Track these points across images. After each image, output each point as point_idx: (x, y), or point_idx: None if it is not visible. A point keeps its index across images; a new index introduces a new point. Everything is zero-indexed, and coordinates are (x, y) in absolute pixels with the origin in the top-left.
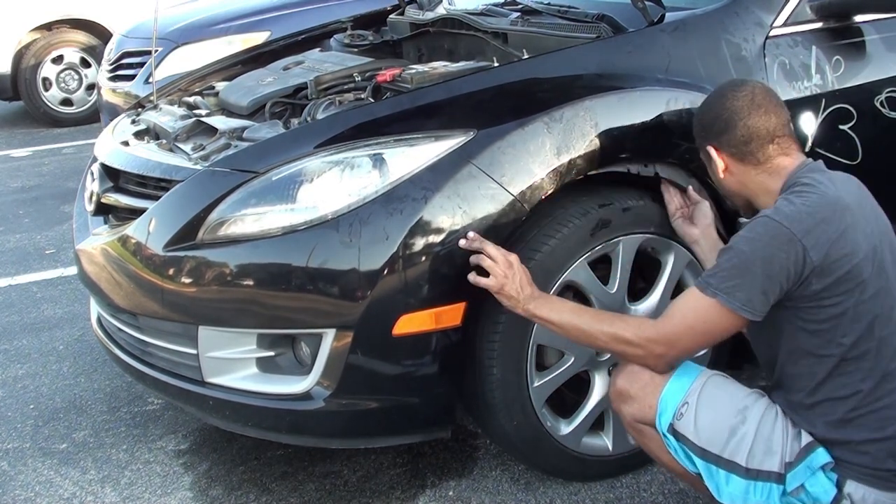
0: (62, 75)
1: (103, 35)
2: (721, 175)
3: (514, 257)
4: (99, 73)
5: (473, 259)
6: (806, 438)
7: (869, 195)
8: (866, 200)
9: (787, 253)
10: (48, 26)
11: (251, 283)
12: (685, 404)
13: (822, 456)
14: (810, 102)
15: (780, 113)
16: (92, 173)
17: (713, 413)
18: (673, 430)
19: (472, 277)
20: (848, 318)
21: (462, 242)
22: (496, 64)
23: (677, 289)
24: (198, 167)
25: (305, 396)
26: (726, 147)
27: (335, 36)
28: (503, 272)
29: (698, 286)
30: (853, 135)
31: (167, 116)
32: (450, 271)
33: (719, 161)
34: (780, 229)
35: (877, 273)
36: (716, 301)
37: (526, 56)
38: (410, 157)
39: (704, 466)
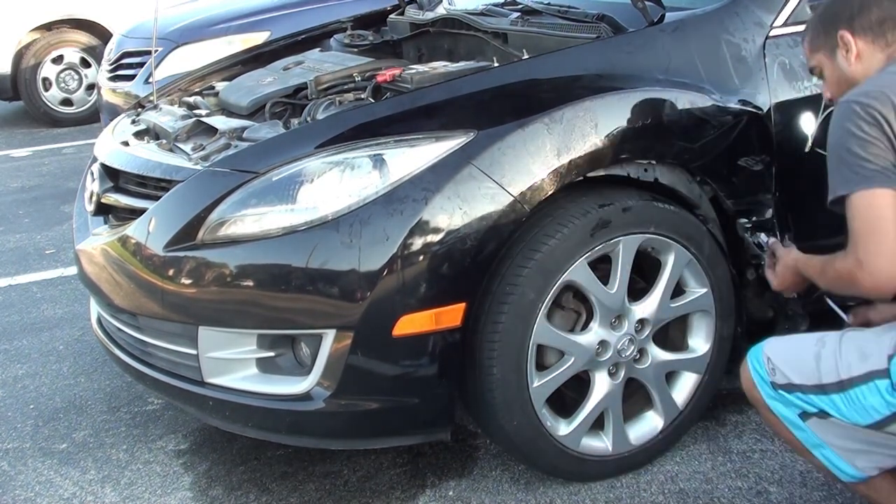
0: (62, 75)
1: (103, 35)
2: (850, 64)
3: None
4: (99, 73)
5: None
6: None
7: None
8: None
9: (868, 118)
10: (48, 26)
11: (251, 283)
12: (767, 359)
13: None
14: (810, 102)
15: None
16: (92, 173)
17: (794, 353)
18: (776, 385)
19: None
20: None
21: None
22: (496, 64)
23: (677, 289)
24: (198, 167)
25: (305, 397)
26: (860, 30)
27: (335, 36)
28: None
29: (839, 194)
30: None
31: (167, 116)
32: (450, 272)
33: (854, 46)
34: (850, 106)
35: None
36: (863, 191)
37: (526, 56)
38: (411, 157)
39: (826, 402)
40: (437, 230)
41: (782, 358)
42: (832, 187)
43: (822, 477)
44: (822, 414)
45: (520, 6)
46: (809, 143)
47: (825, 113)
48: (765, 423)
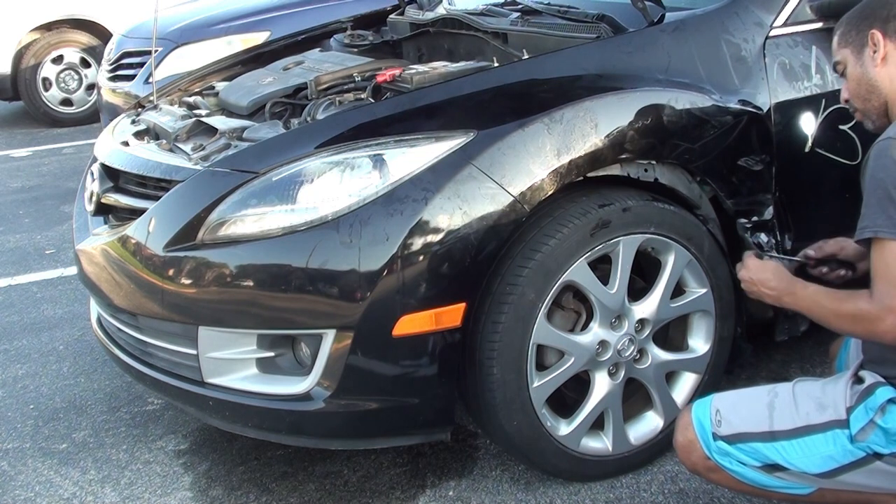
0: (62, 75)
1: (103, 35)
2: (877, 65)
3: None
4: (99, 73)
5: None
6: (870, 380)
7: None
8: None
9: None
10: (48, 26)
11: (251, 283)
12: (716, 411)
13: (883, 394)
14: (810, 102)
15: None
16: (92, 173)
17: (745, 403)
18: (718, 436)
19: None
20: None
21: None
22: (496, 64)
23: (677, 289)
24: (198, 167)
25: (305, 397)
26: (893, 33)
27: (335, 36)
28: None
29: (880, 236)
30: (853, 135)
31: (167, 116)
32: (450, 272)
33: (882, 47)
34: None
35: None
36: None
37: (526, 56)
38: (411, 157)
39: (772, 450)
40: (437, 230)
41: (732, 408)
42: (870, 225)
43: None
44: (766, 466)
45: (520, 6)
46: (809, 143)
47: (826, 112)
48: (713, 483)
